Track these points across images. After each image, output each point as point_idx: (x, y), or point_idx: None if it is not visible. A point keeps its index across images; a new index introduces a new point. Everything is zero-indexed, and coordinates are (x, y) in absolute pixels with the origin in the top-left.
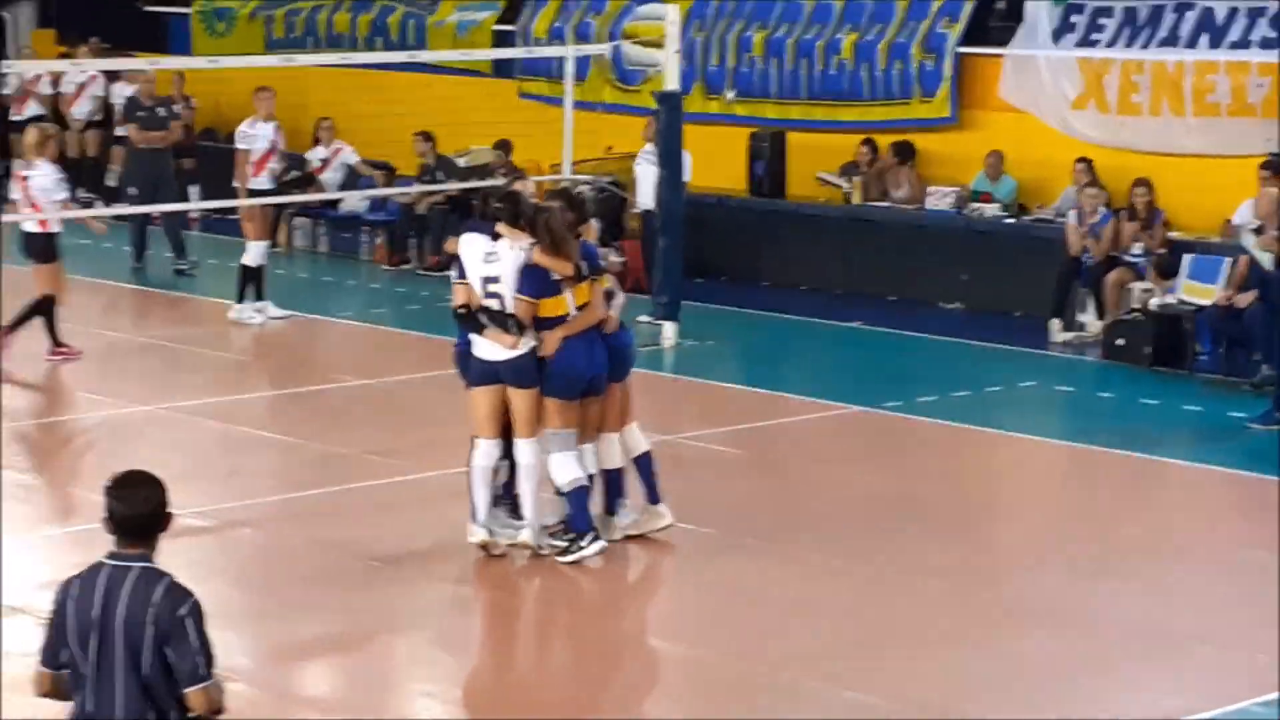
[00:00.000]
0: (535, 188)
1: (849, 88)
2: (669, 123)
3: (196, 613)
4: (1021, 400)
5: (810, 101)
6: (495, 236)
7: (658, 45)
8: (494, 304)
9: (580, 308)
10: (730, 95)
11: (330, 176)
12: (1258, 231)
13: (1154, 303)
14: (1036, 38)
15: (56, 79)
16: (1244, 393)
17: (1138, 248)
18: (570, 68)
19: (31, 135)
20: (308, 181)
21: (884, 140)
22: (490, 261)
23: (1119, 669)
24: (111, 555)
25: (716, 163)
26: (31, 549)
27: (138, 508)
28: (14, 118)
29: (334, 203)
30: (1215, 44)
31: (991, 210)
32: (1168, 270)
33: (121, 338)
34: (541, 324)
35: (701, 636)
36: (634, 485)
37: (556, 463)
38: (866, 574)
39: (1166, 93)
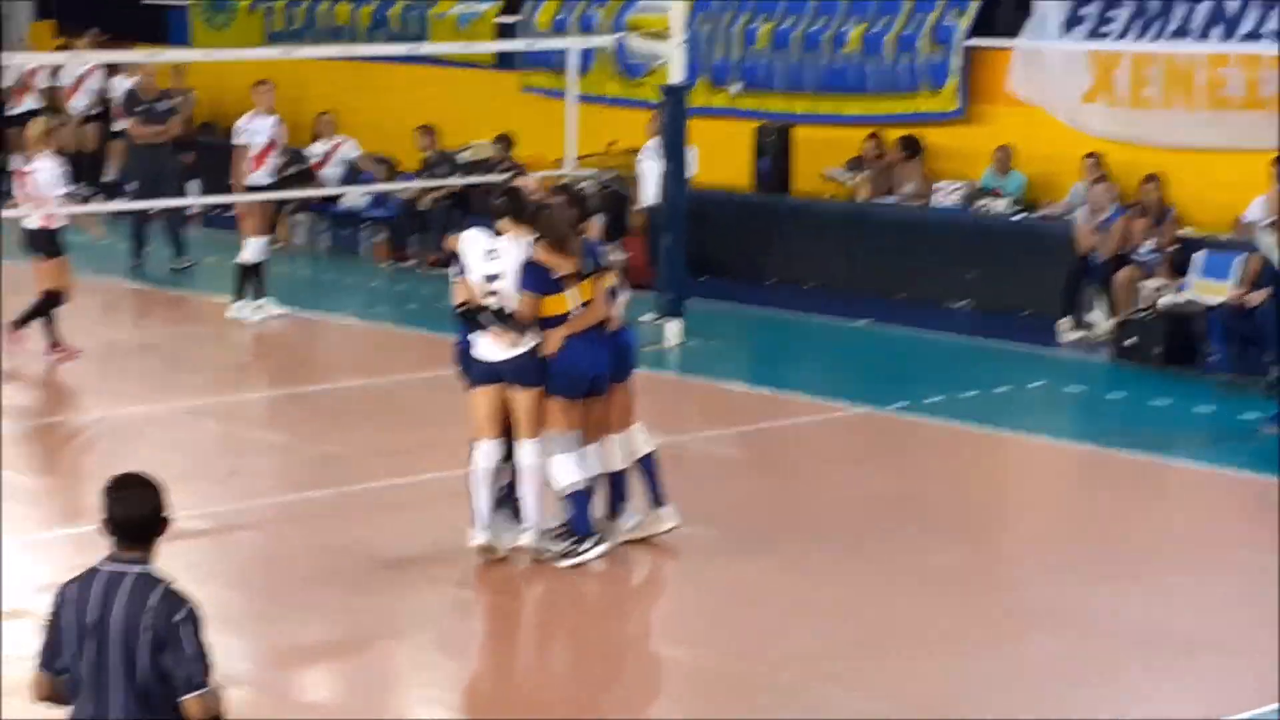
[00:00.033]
0: (537, 183)
1: (855, 81)
2: (673, 117)
3: (193, 619)
4: (1029, 401)
5: (816, 95)
6: (496, 233)
7: (662, 38)
8: (495, 302)
9: (583, 306)
10: (735, 89)
11: (330, 172)
12: (1274, 226)
13: (1165, 301)
14: (1046, 30)
15: (54, 71)
16: (1256, 393)
17: (1148, 245)
18: (574, 60)
19: (35, 127)
20: (307, 177)
21: (891, 135)
22: (491, 259)
23: (1123, 673)
24: (109, 559)
25: (721, 157)
26: (30, 551)
27: (136, 510)
28: (11, 111)
29: (334, 199)
30: (1228, 36)
31: (1000, 206)
32: (1179, 268)
33: (120, 336)
34: (543, 322)
35: (704, 639)
36: (637, 487)
37: (558, 464)
38: (870, 576)
39: (1178, 86)
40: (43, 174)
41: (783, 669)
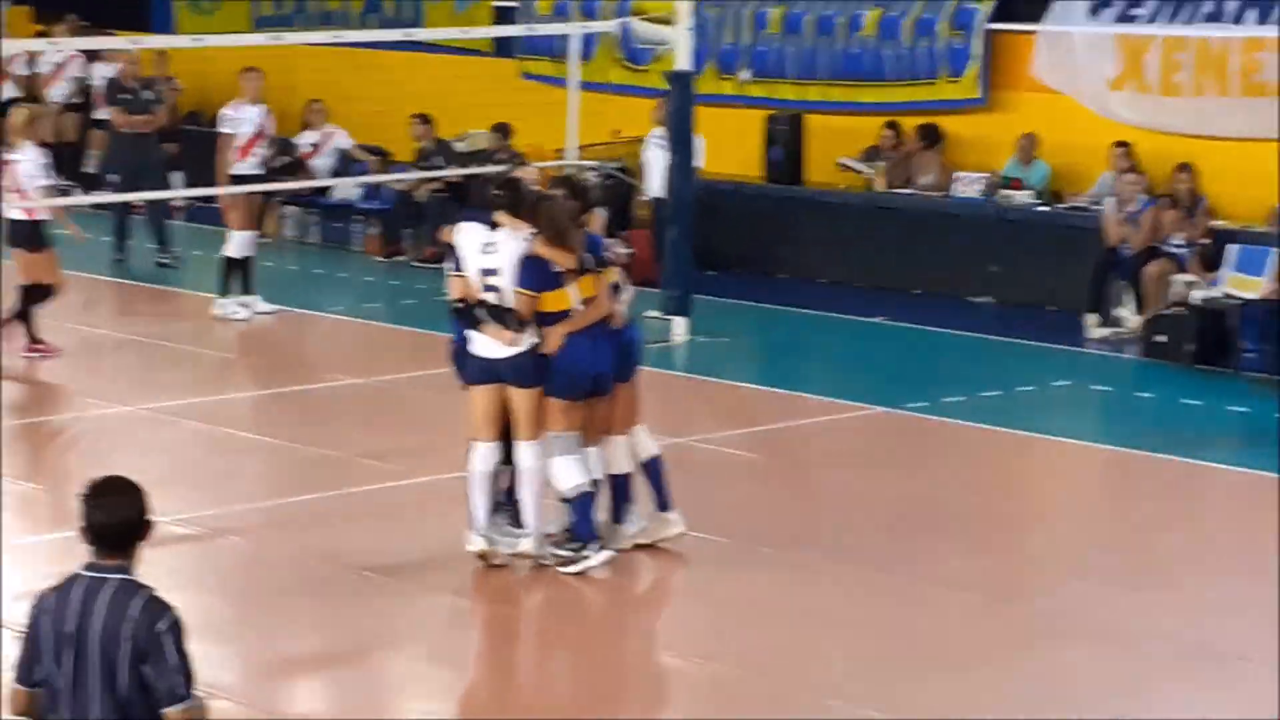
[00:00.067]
0: (537, 174)
1: (871, 67)
2: (680, 105)
3: (176, 628)
4: (1055, 401)
5: (830, 82)
6: (493, 226)
7: (668, 22)
8: (492, 298)
9: (585, 302)
10: (745, 75)
11: (321, 162)
12: None
13: (1196, 296)
14: (1072, 13)
15: (32, 59)
16: None
17: (1179, 237)
18: (575, 46)
19: (19, 116)
20: (297, 168)
21: (909, 123)
22: (488, 252)
23: (1159, 688)
24: (88, 566)
25: (730, 147)
26: (6, 558)
27: (116, 516)
28: None
29: (325, 190)
30: (1263, 19)
31: (1023, 198)
32: (1211, 261)
33: (101, 333)
34: (543, 319)
35: (714, 652)
36: (642, 491)
37: (560, 467)
38: (889, 586)
39: (1210, 71)
40: (25, 164)
41: (796, 685)
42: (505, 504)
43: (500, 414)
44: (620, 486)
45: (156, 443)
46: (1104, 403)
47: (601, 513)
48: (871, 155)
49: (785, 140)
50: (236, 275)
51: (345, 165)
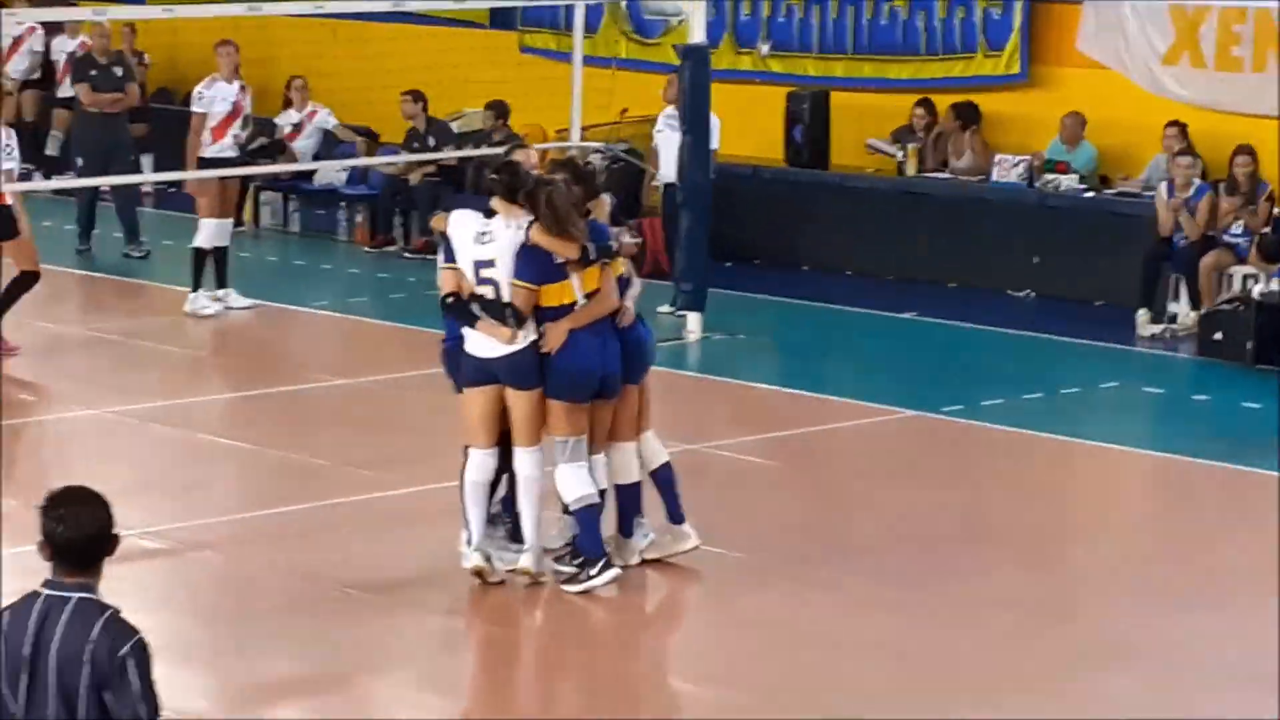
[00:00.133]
0: (538, 157)
1: (902, 40)
2: (694, 81)
3: (140, 653)
4: (1103, 403)
5: (857, 56)
6: (489, 213)
7: None
8: (488, 291)
9: (589, 296)
10: (765, 49)
11: (303, 144)
12: None
13: (1257, 290)
14: None
15: None
16: None
17: (1238, 226)
18: (580, 17)
19: None
20: (277, 150)
21: (943, 101)
22: (484, 242)
23: (1210, 713)
24: (48, 584)
25: (749, 128)
26: None
27: (79, 529)
28: None
29: (308, 174)
30: None
31: (1068, 182)
32: (1273, 252)
33: (63, 330)
34: (544, 314)
35: (728, 677)
36: (652, 502)
37: (564, 476)
38: (921, 606)
39: (1272, 45)
40: None
41: (817, 714)
42: (503, 516)
43: (497, 418)
44: (628, 497)
45: (123, 449)
46: (1156, 406)
47: (608, 526)
48: (902, 136)
49: (808, 120)
50: (209, 268)
51: (329, 147)
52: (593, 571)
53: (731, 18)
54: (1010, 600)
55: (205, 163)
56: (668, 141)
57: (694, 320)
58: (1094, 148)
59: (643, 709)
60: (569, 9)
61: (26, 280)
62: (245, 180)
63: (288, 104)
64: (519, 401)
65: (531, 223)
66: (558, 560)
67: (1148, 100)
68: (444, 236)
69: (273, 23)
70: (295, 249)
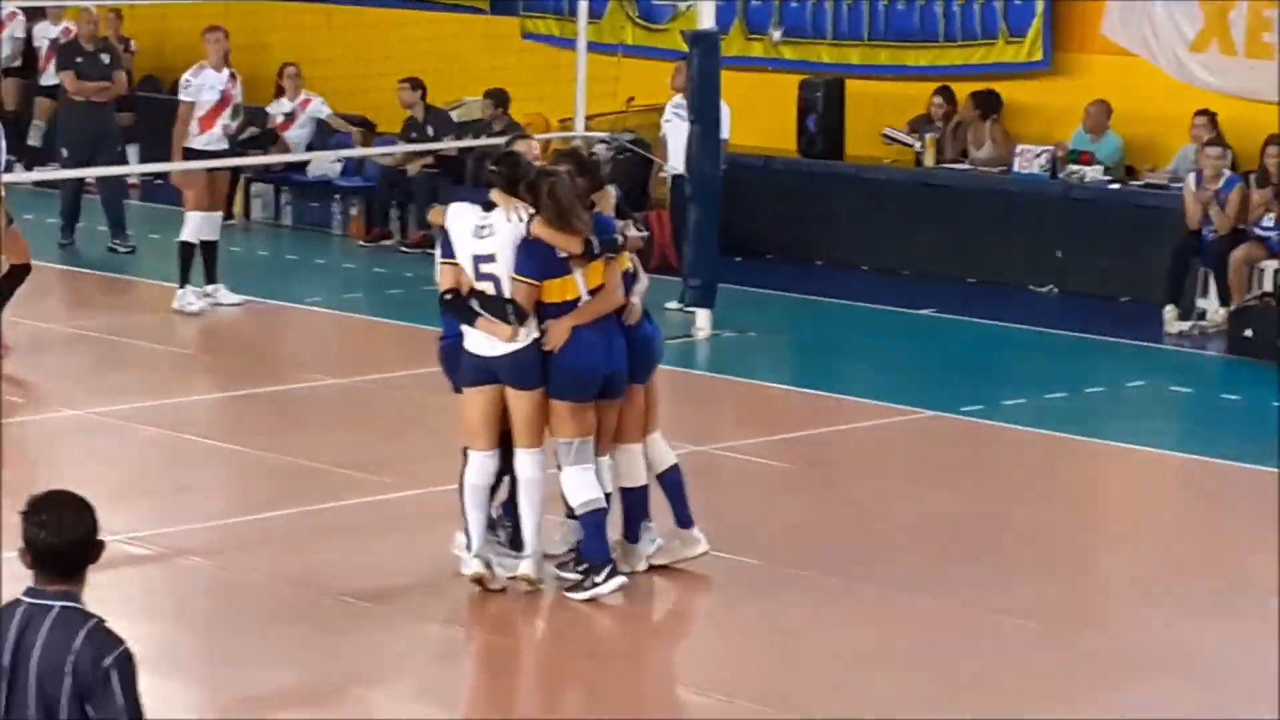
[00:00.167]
0: (540, 148)
1: (920, 25)
2: (703, 69)
3: (125, 664)
4: (1129, 403)
5: (873, 42)
6: (489, 206)
7: None
8: (488, 287)
9: (593, 292)
10: (777, 35)
11: (296, 134)
12: None
13: None
14: None
15: None
16: None
17: (1269, 219)
18: (584, 2)
19: None
20: (269, 140)
21: (962, 89)
22: (483, 236)
23: None
24: (30, 592)
25: (760, 117)
26: None
27: (61, 535)
28: None
29: (301, 165)
30: None
31: (1092, 174)
32: None
33: (46, 328)
34: (546, 311)
35: (741, 688)
36: (660, 506)
37: (570, 479)
38: (939, 614)
39: None
40: None
41: None
42: (504, 521)
43: (498, 419)
44: (635, 501)
45: (108, 451)
46: (1184, 406)
47: (614, 531)
48: (920, 126)
49: (822, 109)
50: (198, 262)
51: (323, 137)
52: (598, 578)
53: (742, 2)
54: (1032, 609)
55: (193, 154)
56: (676, 131)
57: (703, 317)
58: (1119, 138)
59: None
60: None
61: (18, 274)
62: (236, 172)
63: (280, 92)
64: (520, 402)
65: (533, 215)
66: (561, 567)
67: (1175, 88)
68: (443, 230)
69: (264, 8)
70: (287, 243)
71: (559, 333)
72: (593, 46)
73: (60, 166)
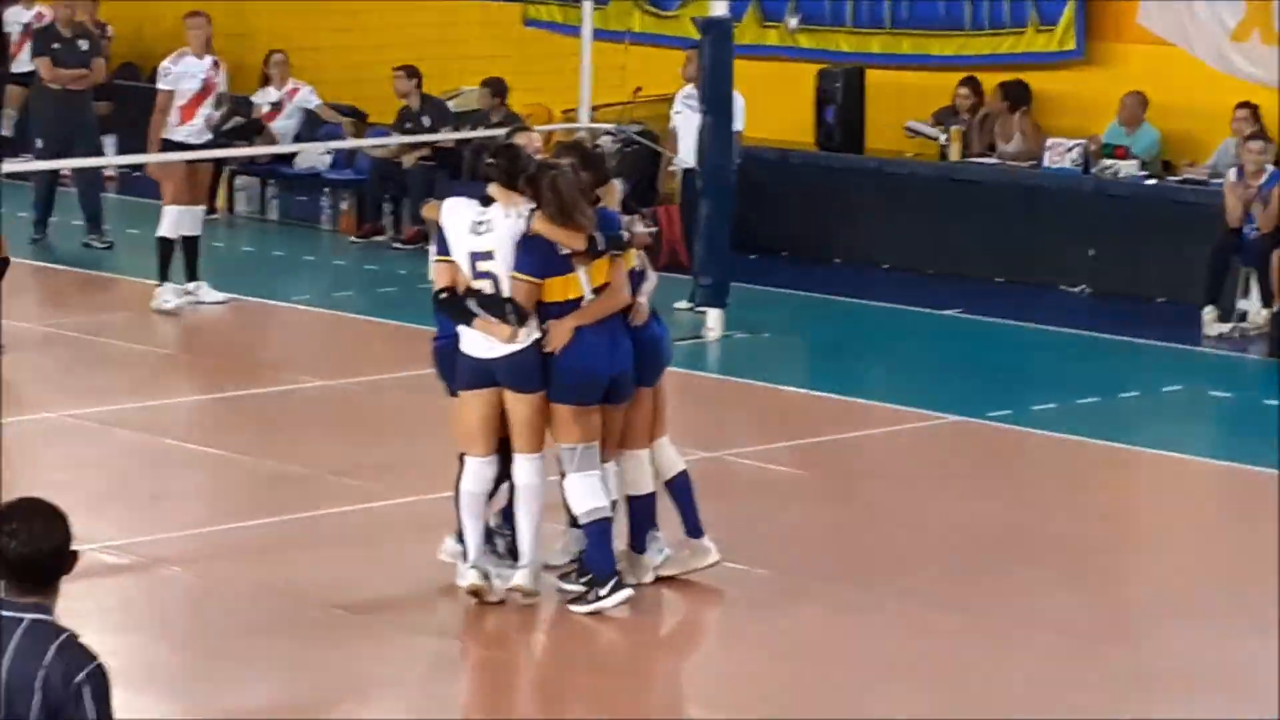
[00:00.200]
0: (541, 140)
1: (945, 13)
2: (715, 58)
3: (98, 680)
4: (1165, 408)
5: (895, 31)
6: (486, 201)
7: None
8: (486, 286)
9: (597, 290)
10: (793, 23)
11: (283, 124)
12: None
13: None
14: None
15: None
16: None
17: None
18: None
19: None
20: (254, 130)
21: (990, 80)
22: (480, 232)
23: None
24: None
25: (776, 108)
26: None
27: (32, 545)
28: None
29: (288, 157)
30: None
31: (1127, 169)
32: None
33: (18, 326)
34: (548, 311)
35: (754, 706)
36: (668, 514)
37: (574, 486)
38: (963, 628)
39: None
40: None
41: None
42: (502, 529)
43: (496, 423)
44: (642, 509)
45: (84, 456)
46: (1223, 411)
47: (619, 540)
48: (945, 118)
49: (841, 100)
50: (178, 259)
51: (311, 128)
52: (602, 591)
53: None
54: (1059, 622)
55: (172, 146)
56: (686, 123)
57: (714, 317)
58: (1156, 131)
59: None
60: None
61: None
62: (219, 164)
63: (266, 81)
64: (519, 405)
65: (534, 210)
66: (563, 578)
67: (1215, 79)
68: (437, 226)
69: None
70: (274, 238)
71: (561, 333)
72: (599, 34)
73: (34, 158)
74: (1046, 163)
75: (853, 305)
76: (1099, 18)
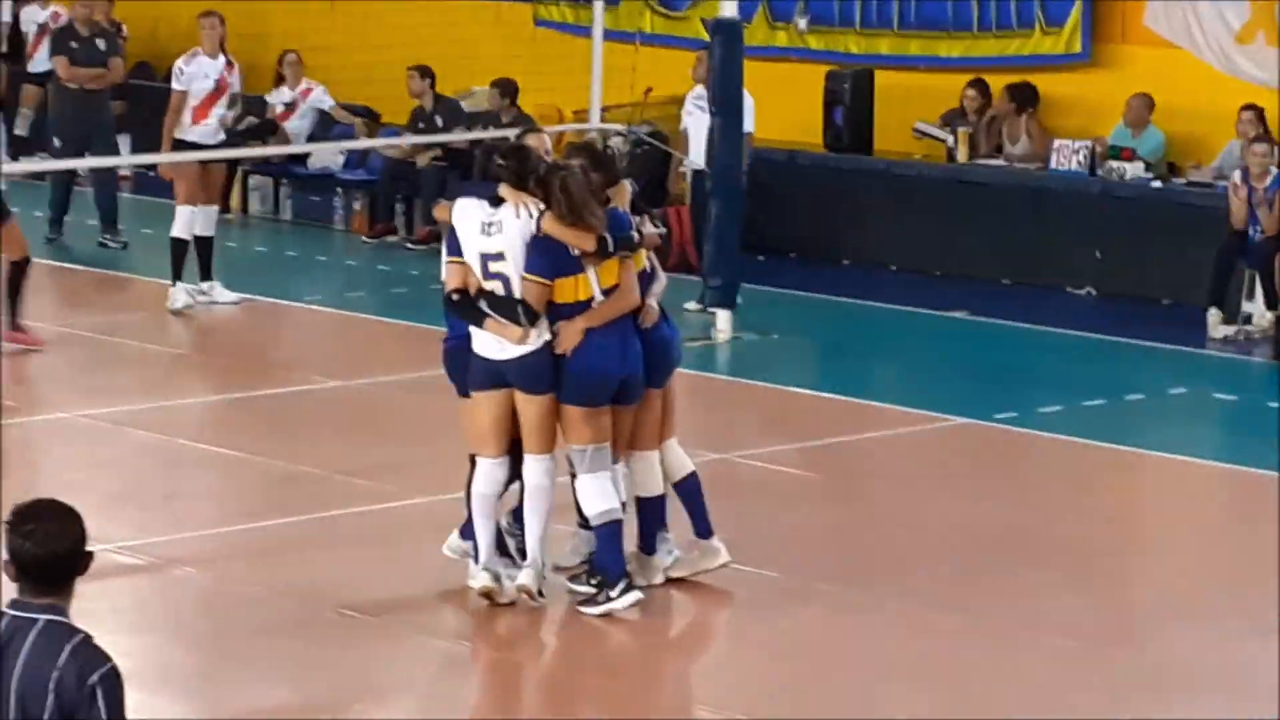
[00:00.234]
0: (551, 142)
1: (953, 15)
2: (725, 59)
3: (112, 682)
4: (1170, 411)
5: (904, 32)
6: (496, 201)
7: None
8: (497, 287)
9: (608, 291)
10: (803, 24)
11: (297, 125)
12: None
13: None
14: None
15: None
16: None
17: None
18: None
19: None
20: (268, 131)
21: (997, 81)
22: (490, 234)
23: None
24: (14, 604)
25: (785, 109)
26: None
27: (47, 546)
28: None
29: (301, 158)
30: None
31: (1133, 170)
32: None
33: (33, 326)
34: (558, 312)
35: (763, 707)
36: (677, 516)
37: (585, 488)
38: (970, 630)
39: None
40: None
41: None
42: (513, 530)
43: (508, 424)
44: (651, 511)
45: (98, 457)
46: (1228, 414)
47: (629, 542)
48: (952, 119)
49: (850, 101)
50: (191, 259)
51: (325, 128)
52: (613, 592)
53: None
54: (1063, 624)
55: (185, 147)
56: (696, 124)
57: (724, 318)
58: (1162, 133)
59: None
60: None
61: (20, 269)
62: (233, 164)
63: (280, 81)
64: (530, 407)
65: (544, 211)
66: (573, 579)
67: (1221, 81)
68: (448, 227)
69: None
70: (287, 238)
71: (571, 335)
72: (609, 34)
73: (51, 157)
74: (1053, 164)
75: (861, 307)
76: (1105, 20)
